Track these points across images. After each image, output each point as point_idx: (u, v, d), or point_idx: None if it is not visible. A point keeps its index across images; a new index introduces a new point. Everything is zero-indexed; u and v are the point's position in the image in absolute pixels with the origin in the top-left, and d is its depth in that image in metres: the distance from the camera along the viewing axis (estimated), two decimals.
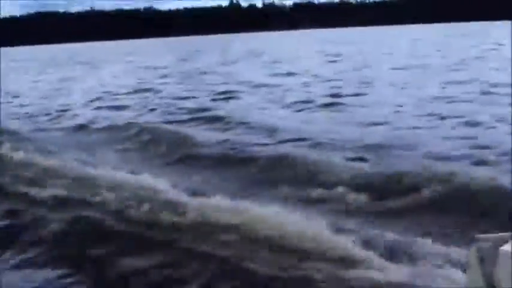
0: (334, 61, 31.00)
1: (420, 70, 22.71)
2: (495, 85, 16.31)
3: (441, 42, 46.00)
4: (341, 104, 14.62)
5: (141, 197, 6.67)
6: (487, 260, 2.22)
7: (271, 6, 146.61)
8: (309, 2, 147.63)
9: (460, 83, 17.47)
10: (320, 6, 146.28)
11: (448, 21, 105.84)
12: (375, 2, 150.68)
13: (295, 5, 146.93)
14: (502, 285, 2.14)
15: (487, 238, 2.30)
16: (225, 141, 10.44)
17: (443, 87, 16.80)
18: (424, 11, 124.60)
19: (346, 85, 18.65)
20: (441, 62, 25.96)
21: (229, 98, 17.29)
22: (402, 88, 17.40)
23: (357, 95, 16.24)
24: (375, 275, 4.48)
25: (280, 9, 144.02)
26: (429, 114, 12.14)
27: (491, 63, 23.89)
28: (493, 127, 10.59)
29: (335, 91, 17.13)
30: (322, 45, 50.12)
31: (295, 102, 15.29)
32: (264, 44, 64.76)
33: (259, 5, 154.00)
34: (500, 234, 2.29)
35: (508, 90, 15.16)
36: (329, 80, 20.53)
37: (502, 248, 2.16)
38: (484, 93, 15.07)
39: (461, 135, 9.88)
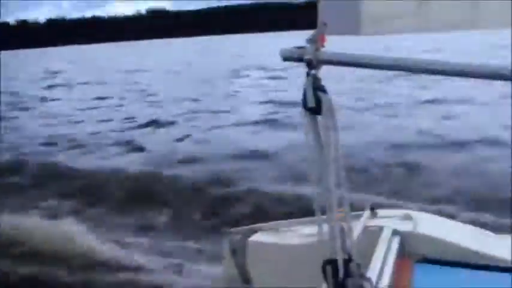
0: (46, 78, 34.61)
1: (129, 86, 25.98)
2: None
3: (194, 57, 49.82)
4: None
5: None
6: (239, 251, 2.39)
7: (24, 23, 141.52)
8: (61, 19, 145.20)
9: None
10: (70, 23, 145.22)
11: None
12: (126, 18, 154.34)
13: (48, 21, 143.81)
14: (253, 273, 2.34)
15: (238, 231, 2.47)
16: None
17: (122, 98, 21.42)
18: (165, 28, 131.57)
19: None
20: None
21: None
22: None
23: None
24: None
25: (34, 27, 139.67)
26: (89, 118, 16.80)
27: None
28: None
29: None
30: (58, 63, 52.65)
31: None
32: None
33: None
34: (250, 226, 2.48)
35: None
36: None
37: (250, 238, 2.37)
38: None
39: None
